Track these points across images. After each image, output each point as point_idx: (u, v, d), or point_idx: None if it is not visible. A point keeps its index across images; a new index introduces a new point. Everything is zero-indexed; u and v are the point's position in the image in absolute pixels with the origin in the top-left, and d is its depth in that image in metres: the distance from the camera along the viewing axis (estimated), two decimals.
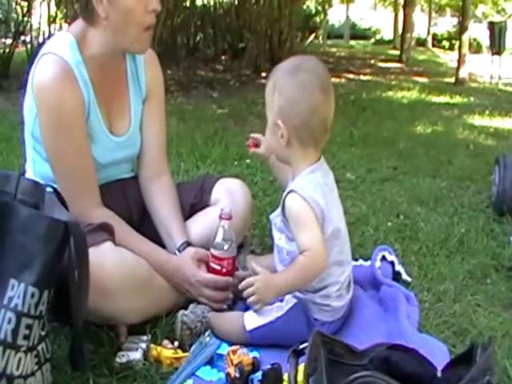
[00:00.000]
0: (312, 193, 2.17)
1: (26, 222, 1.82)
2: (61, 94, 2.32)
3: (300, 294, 2.25)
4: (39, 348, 1.86)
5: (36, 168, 2.55)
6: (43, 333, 1.88)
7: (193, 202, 2.76)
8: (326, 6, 25.80)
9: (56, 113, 2.34)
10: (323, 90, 2.21)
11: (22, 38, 10.85)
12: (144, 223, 2.66)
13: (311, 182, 2.21)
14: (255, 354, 2.16)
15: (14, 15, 11.36)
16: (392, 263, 2.86)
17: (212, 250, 2.40)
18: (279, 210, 2.24)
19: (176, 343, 2.21)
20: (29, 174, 2.57)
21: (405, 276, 2.85)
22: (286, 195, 2.20)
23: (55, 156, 2.41)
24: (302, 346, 1.84)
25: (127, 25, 2.37)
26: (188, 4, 14.23)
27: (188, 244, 2.52)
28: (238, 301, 2.48)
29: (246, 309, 2.36)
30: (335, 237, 2.26)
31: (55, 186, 2.39)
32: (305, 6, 19.83)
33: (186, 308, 2.34)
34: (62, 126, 2.35)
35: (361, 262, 2.92)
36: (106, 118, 2.53)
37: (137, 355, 2.14)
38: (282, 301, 2.27)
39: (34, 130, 2.43)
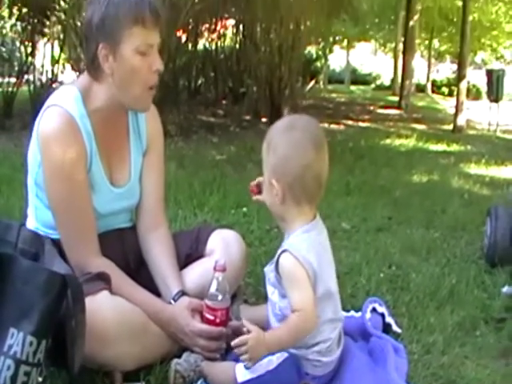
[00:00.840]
0: (305, 252, 2.19)
1: (27, 274, 1.89)
2: (64, 145, 2.39)
3: (293, 349, 2.26)
4: None
5: (38, 214, 2.60)
6: (40, 379, 1.93)
7: (188, 252, 2.80)
8: (327, 52, 26.04)
9: (59, 163, 2.40)
10: (316, 146, 2.25)
11: (26, 76, 10.94)
12: (140, 272, 2.70)
13: (305, 241, 2.23)
14: None
15: (18, 54, 11.47)
16: (382, 315, 2.89)
17: (206, 301, 2.43)
18: (273, 265, 2.26)
19: None
20: (30, 220, 2.63)
21: (395, 327, 2.88)
22: (280, 254, 2.22)
23: (57, 205, 2.47)
24: None
25: (131, 83, 2.45)
26: (190, 47, 14.36)
27: (183, 293, 2.55)
28: (230, 351, 2.53)
29: (239, 359, 2.41)
30: (328, 297, 2.29)
31: (55, 236, 2.47)
32: (306, 51, 19.98)
33: (179, 356, 2.37)
34: (65, 177, 2.41)
35: (352, 313, 2.94)
36: (107, 170, 2.60)
37: None
38: (273, 354, 2.26)
39: (38, 177, 2.50)
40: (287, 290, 2.22)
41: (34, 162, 2.50)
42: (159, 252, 2.70)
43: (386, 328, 2.87)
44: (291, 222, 2.29)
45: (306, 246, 2.22)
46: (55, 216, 2.48)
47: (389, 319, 2.90)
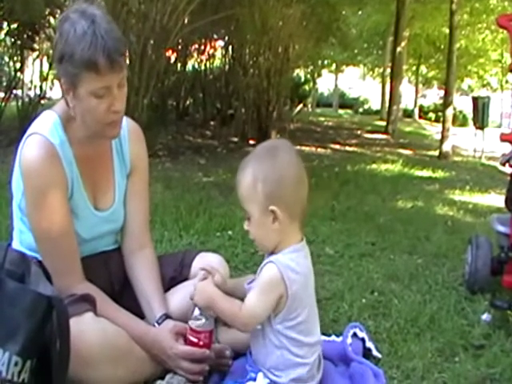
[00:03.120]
0: (290, 272, 2.22)
1: (13, 295, 1.92)
2: (45, 174, 2.40)
3: (273, 377, 2.29)
4: None
5: (23, 238, 2.60)
6: None
7: (173, 276, 2.83)
8: (316, 75, 26.21)
9: (40, 192, 2.41)
10: (301, 163, 2.32)
11: (14, 92, 10.95)
12: (125, 294, 2.71)
13: (293, 261, 2.25)
14: None
15: (7, 69, 11.47)
16: (363, 340, 2.93)
17: (190, 323, 2.43)
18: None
19: None
20: (15, 243, 2.63)
21: (375, 352, 2.91)
22: (265, 264, 2.26)
23: (39, 234, 2.48)
24: None
25: (89, 120, 2.43)
26: (179, 67, 14.42)
27: (167, 317, 2.57)
28: (213, 373, 2.55)
29: (221, 382, 2.44)
30: (312, 317, 2.35)
31: (40, 258, 2.49)
32: (294, 74, 20.11)
33: (162, 378, 2.39)
34: (46, 206, 2.42)
35: (333, 337, 2.99)
36: (91, 194, 2.61)
37: None
38: (254, 380, 2.30)
39: (21, 203, 2.50)
40: (255, 288, 2.25)
41: (17, 189, 2.51)
42: (144, 274, 2.72)
43: (366, 353, 2.90)
44: (282, 243, 2.30)
45: (294, 265, 2.24)
46: (37, 245, 2.50)
47: (369, 344, 2.93)
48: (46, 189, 2.42)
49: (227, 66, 15.17)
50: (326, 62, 27.76)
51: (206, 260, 2.85)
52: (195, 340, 2.43)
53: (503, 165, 4.04)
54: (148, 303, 2.64)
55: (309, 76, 25.96)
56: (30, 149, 2.42)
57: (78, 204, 2.55)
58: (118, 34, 2.40)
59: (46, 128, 2.45)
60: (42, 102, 10.71)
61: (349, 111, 33.03)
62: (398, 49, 18.84)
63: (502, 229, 3.95)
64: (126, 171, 2.76)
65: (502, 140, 3.95)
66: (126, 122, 2.69)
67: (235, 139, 12.53)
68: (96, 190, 2.64)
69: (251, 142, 12.08)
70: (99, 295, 2.49)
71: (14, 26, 10.80)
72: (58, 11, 10.12)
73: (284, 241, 2.29)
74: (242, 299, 2.29)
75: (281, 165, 2.25)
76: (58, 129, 2.47)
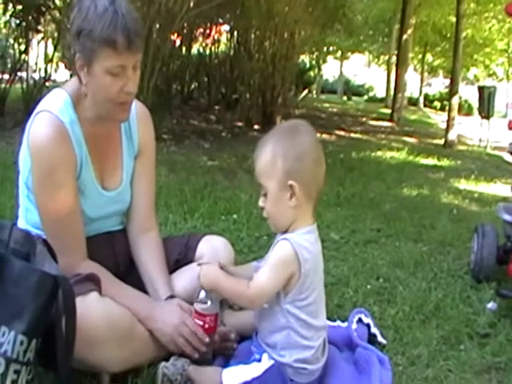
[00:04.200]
0: (304, 251, 2.21)
1: (19, 274, 1.90)
2: (54, 153, 2.39)
3: (278, 357, 2.29)
4: None
5: (28, 216, 2.60)
6: (29, 377, 1.95)
7: (178, 258, 2.83)
8: (321, 62, 26.12)
9: (48, 170, 2.40)
10: (319, 145, 2.33)
11: (19, 74, 10.91)
12: (130, 274, 2.71)
13: (307, 241, 2.24)
14: None
15: (11, 51, 11.43)
16: (368, 325, 2.93)
17: (195, 306, 2.43)
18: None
19: None
20: (21, 222, 2.63)
21: (380, 338, 2.91)
22: (278, 241, 2.25)
23: (45, 213, 2.47)
24: None
25: (101, 98, 2.42)
26: (184, 52, 14.37)
27: (173, 298, 2.57)
28: (218, 356, 2.54)
29: (226, 365, 2.43)
30: (320, 300, 2.35)
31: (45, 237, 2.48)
32: (300, 60, 20.05)
33: (167, 360, 2.38)
34: (53, 185, 2.41)
35: (338, 322, 2.98)
36: (99, 174, 2.60)
37: None
38: (259, 361, 2.31)
39: (28, 181, 2.49)
40: (266, 264, 2.24)
41: (24, 166, 2.50)
42: (149, 256, 2.71)
43: (371, 338, 2.90)
44: (295, 223, 2.29)
45: (307, 245, 2.23)
46: (43, 224, 2.49)
47: (374, 330, 2.93)
48: (54, 167, 2.40)
49: (232, 51, 15.09)
50: (331, 48, 27.66)
51: (211, 243, 2.85)
52: (200, 323, 2.42)
53: (511, 153, 4.02)
54: (153, 285, 2.64)
55: (314, 62, 25.88)
56: (39, 126, 2.41)
57: (86, 183, 2.54)
58: (136, 15, 2.41)
59: (56, 106, 2.43)
60: (47, 84, 10.66)
61: (354, 98, 32.94)
62: (404, 36, 18.75)
63: (508, 218, 3.94)
64: (134, 153, 2.75)
65: (511, 128, 3.93)
66: (135, 105, 2.67)
67: (240, 124, 12.49)
68: (104, 170, 2.63)
69: (256, 126, 12.06)
70: (102, 272, 2.48)
71: (19, 7, 10.71)
72: None
73: (298, 221, 2.28)
74: None
75: (302, 143, 2.26)
76: (68, 108, 2.45)
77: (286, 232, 2.29)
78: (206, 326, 2.42)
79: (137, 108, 2.73)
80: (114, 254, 2.77)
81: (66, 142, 2.42)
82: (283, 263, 2.21)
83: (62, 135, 2.41)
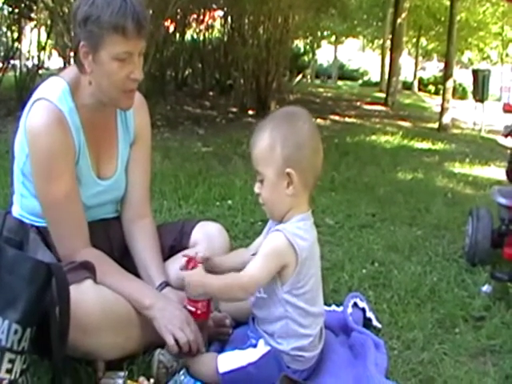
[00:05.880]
0: (299, 239, 2.20)
1: (12, 263, 1.90)
2: (52, 141, 2.39)
3: (275, 344, 2.29)
4: (20, 381, 1.93)
5: (23, 202, 2.60)
6: (24, 366, 1.95)
7: (172, 244, 2.83)
8: (315, 46, 26.07)
9: (47, 159, 2.40)
10: (318, 133, 2.32)
11: (12, 62, 10.87)
12: (124, 261, 2.68)
13: (300, 229, 2.23)
14: None
15: (4, 39, 11.38)
16: (363, 310, 2.93)
17: (187, 293, 2.45)
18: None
19: (152, 380, 2.24)
20: (16, 208, 2.64)
21: (375, 322, 2.92)
22: (271, 232, 2.25)
23: (46, 201, 2.46)
24: None
25: (107, 86, 2.42)
26: (178, 38, 14.32)
27: (166, 284, 2.57)
28: (213, 342, 2.54)
29: (221, 350, 2.43)
30: (317, 287, 2.35)
31: (40, 224, 2.48)
32: (294, 45, 20.00)
33: (162, 347, 2.37)
34: (53, 172, 2.42)
35: (334, 307, 2.99)
36: (95, 162, 2.60)
37: None
38: (255, 346, 2.31)
39: (25, 167, 2.49)
40: (259, 254, 2.23)
41: (21, 152, 2.50)
42: (143, 243, 2.72)
43: (367, 323, 2.91)
44: (290, 211, 2.28)
45: (302, 233, 2.23)
46: (44, 212, 2.49)
47: (369, 314, 2.94)
48: (53, 156, 2.41)
49: (226, 37, 15.05)
50: (325, 33, 27.58)
51: (206, 229, 2.85)
52: (193, 309, 2.41)
53: (505, 136, 4.02)
54: (147, 272, 2.64)
55: (308, 47, 25.82)
56: (37, 114, 2.40)
57: (83, 172, 2.55)
58: (142, 0, 2.42)
59: (54, 95, 2.43)
60: (40, 71, 10.62)
61: (348, 83, 32.86)
62: (398, 20, 18.68)
63: (503, 201, 3.94)
64: (130, 140, 2.76)
65: (506, 111, 3.93)
66: None
67: (234, 109, 12.47)
68: (100, 158, 2.64)
69: (250, 112, 12.04)
70: (105, 259, 2.50)
71: None
72: None
73: (293, 209, 2.27)
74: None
75: (300, 130, 2.25)
76: (66, 96, 2.45)
77: (281, 220, 2.29)
78: (199, 311, 2.41)
79: None
80: (108, 240, 2.77)
81: (65, 131, 2.42)
82: (275, 254, 2.20)
83: (60, 123, 2.41)
